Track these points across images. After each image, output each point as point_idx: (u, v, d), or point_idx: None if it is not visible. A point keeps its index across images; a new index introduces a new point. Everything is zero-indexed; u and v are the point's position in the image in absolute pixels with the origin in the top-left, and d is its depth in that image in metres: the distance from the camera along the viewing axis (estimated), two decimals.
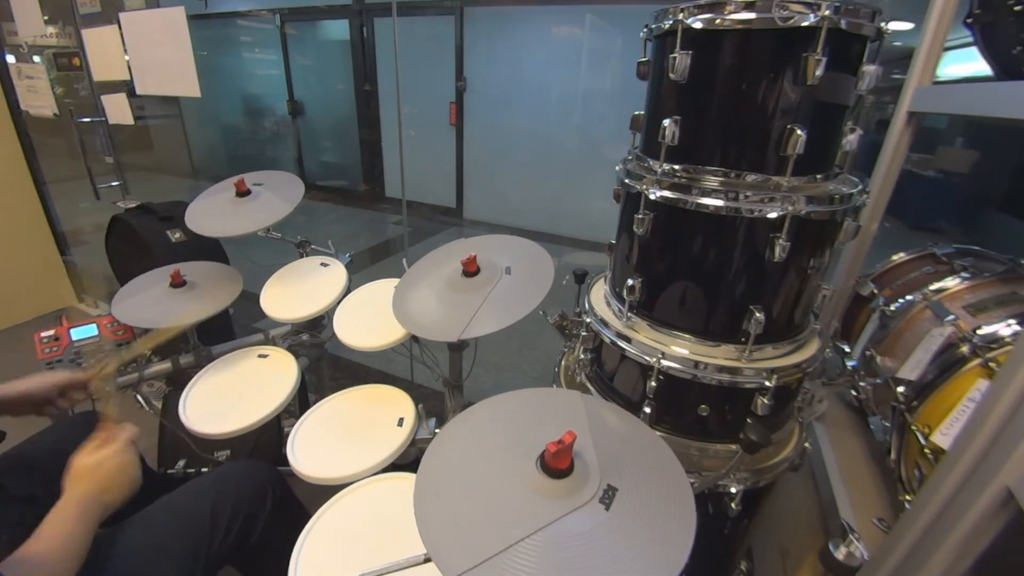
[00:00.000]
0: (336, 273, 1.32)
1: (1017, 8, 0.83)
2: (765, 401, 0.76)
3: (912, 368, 0.87)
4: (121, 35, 1.94)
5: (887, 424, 0.91)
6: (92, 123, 2.31)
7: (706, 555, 0.89)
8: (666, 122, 0.71)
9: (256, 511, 0.89)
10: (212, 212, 1.30)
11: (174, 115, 6.03)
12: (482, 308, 0.91)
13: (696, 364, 0.77)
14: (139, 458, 0.83)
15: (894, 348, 0.96)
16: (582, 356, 0.99)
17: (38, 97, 2.36)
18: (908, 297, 0.99)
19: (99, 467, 0.77)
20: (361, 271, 3.48)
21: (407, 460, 0.96)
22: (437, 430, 1.03)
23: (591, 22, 3.75)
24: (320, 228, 4.81)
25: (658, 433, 0.83)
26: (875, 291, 1.09)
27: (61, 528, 0.69)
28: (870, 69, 0.66)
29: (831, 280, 1.22)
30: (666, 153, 0.74)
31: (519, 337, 2.67)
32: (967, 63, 1.03)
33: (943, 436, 0.73)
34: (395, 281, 1.15)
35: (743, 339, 0.76)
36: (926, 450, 0.75)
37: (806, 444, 0.90)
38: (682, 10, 0.67)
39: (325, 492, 0.83)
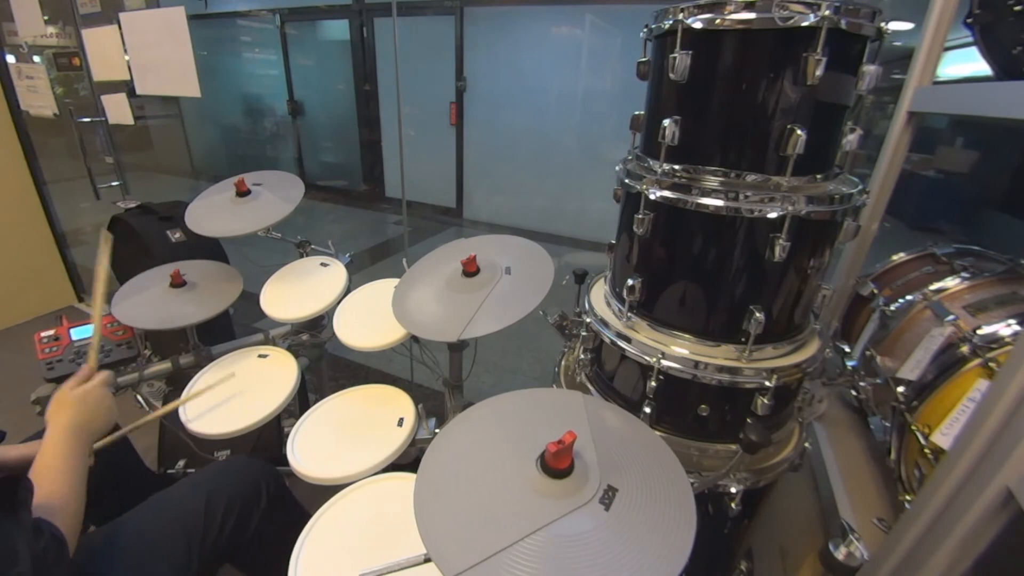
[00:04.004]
0: (336, 273, 1.32)
1: (1017, 8, 0.83)
2: (765, 401, 0.76)
3: (912, 368, 0.86)
4: (121, 35, 1.94)
5: (887, 424, 0.91)
6: (92, 123, 2.31)
7: (706, 555, 0.89)
8: (666, 122, 0.71)
9: (250, 507, 0.89)
10: (212, 212, 1.30)
11: (174, 115, 6.03)
12: (482, 308, 0.91)
13: (696, 364, 0.77)
14: (113, 399, 0.90)
15: (894, 348, 0.96)
16: (582, 356, 0.99)
17: (38, 97, 2.36)
18: (908, 297, 0.98)
19: (83, 397, 0.83)
20: (361, 271, 3.48)
21: (407, 460, 0.96)
22: (437, 430, 1.03)
23: (591, 22, 3.75)
24: (320, 228, 4.81)
25: (658, 433, 0.83)
26: (875, 291, 1.09)
27: (57, 460, 0.72)
28: (870, 69, 0.66)
29: (831, 280, 1.22)
30: (666, 153, 0.74)
31: (519, 337, 2.67)
32: (967, 63, 1.03)
33: (943, 436, 0.73)
34: (395, 281, 1.15)
35: (743, 339, 0.76)
36: (926, 450, 0.75)
37: (806, 444, 0.90)
38: (682, 10, 0.67)
39: (325, 492, 0.83)
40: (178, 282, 1.26)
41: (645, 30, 0.78)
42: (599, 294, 1.00)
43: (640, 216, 0.77)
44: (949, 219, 2.45)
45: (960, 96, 0.91)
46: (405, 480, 0.85)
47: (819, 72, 0.62)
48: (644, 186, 0.76)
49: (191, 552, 0.80)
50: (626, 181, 0.81)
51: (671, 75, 0.69)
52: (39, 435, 0.96)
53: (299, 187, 1.34)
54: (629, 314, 0.85)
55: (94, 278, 1.05)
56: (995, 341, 0.75)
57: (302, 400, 1.49)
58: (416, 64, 4.51)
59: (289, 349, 1.28)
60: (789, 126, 0.66)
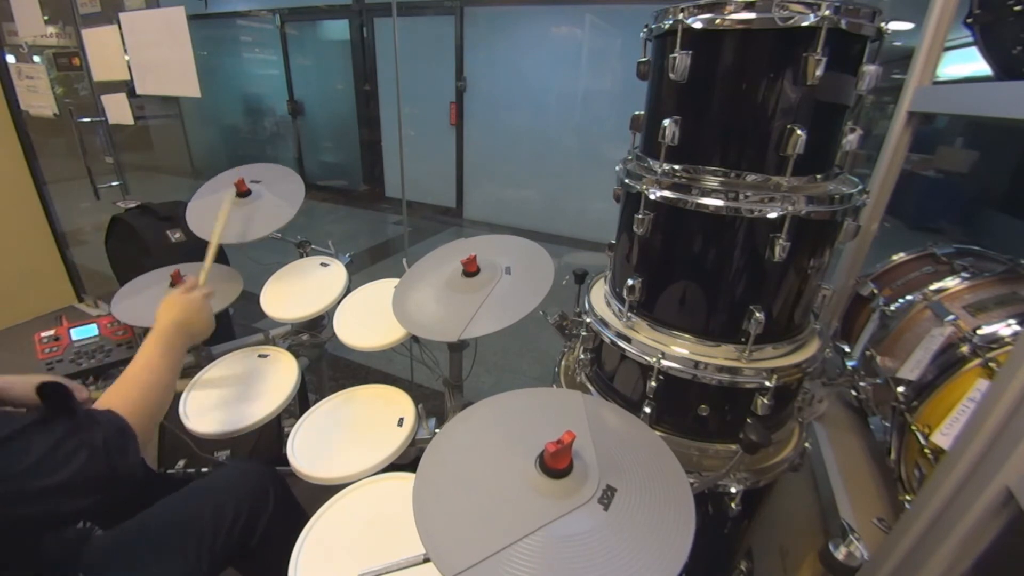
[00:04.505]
0: (336, 273, 1.32)
1: (1017, 8, 0.83)
2: (765, 401, 0.75)
3: (912, 368, 0.86)
4: (121, 35, 1.94)
5: (887, 424, 0.91)
6: (92, 123, 2.31)
7: (706, 555, 0.89)
8: (666, 122, 0.71)
9: (258, 511, 0.89)
10: (212, 213, 1.30)
11: (174, 115, 6.04)
12: (482, 308, 0.91)
13: (696, 364, 0.77)
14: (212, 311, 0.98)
15: (894, 348, 0.96)
16: (582, 356, 0.99)
17: (38, 97, 2.36)
18: (908, 297, 0.99)
19: (189, 301, 0.92)
20: (361, 271, 3.49)
21: (407, 460, 0.96)
22: (437, 430, 1.03)
23: (591, 22, 3.75)
24: (320, 228, 4.81)
25: (658, 433, 0.83)
26: (875, 291, 1.09)
27: (157, 348, 0.81)
28: (870, 69, 0.66)
29: (831, 280, 1.22)
30: (666, 153, 0.74)
31: (519, 337, 2.67)
32: (967, 63, 1.03)
33: (943, 436, 0.73)
34: (395, 281, 1.15)
35: (743, 339, 0.76)
36: (926, 450, 0.75)
37: (806, 444, 0.90)
38: (682, 10, 0.67)
39: (325, 492, 0.83)
40: (178, 282, 1.26)
41: (645, 30, 0.78)
42: (599, 294, 1.00)
43: (640, 216, 0.77)
44: (949, 219, 2.45)
45: (960, 96, 0.91)
46: (405, 480, 0.85)
47: (819, 72, 0.61)
48: (644, 186, 0.76)
49: (200, 557, 0.80)
50: (626, 181, 0.81)
51: (671, 75, 0.69)
52: None
53: (299, 188, 1.33)
54: (629, 314, 0.85)
55: (218, 219, 1.15)
56: (995, 341, 0.75)
57: (302, 400, 1.49)
58: (416, 64, 4.51)
59: (289, 349, 1.28)
60: (789, 126, 0.66)
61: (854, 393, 1.06)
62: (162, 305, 0.90)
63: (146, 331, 1.14)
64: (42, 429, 0.58)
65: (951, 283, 0.94)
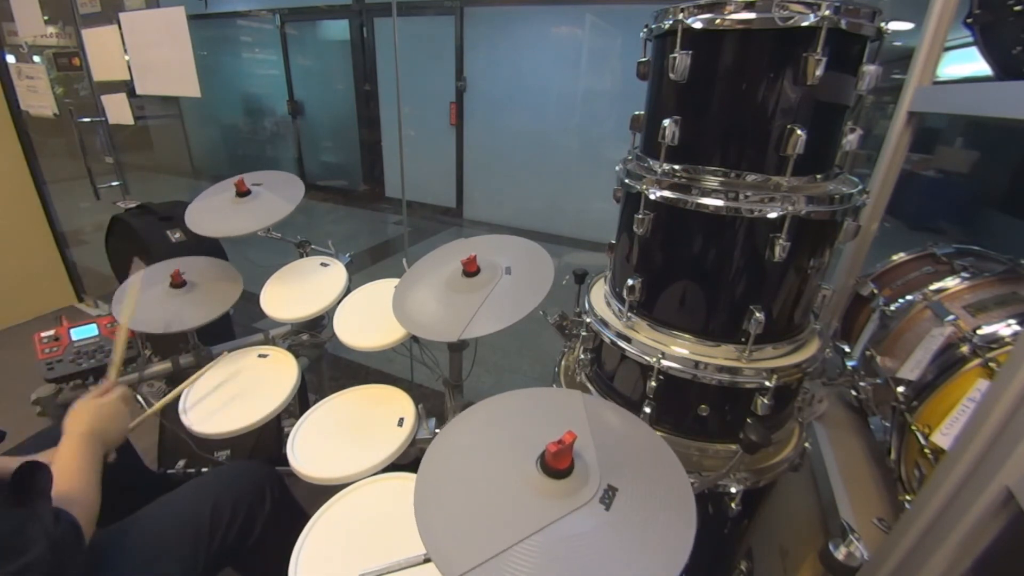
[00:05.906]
0: (336, 273, 1.32)
1: (1017, 8, 0.83)
2: (765, 401, 0.76)
3: (912, 368, 0.86)
4: (121, 35, 1.94)
5: (887, 424, 0.91)
6: (92, 123, 2.31)
7: (706, 555, 0.89)
8: (666, 122, 0.71)
9: (255, 511, 0.89)
10: (212, 212, 1.30)
11: (174, 115, 6.03)
12: (482, 308, 0.91)
13: (696, 364, 0.77)
14: (129, 414, 0.92)
15: (894, 348, 0.96)
16: (582, 356, 0.99)
17: (38, 97, 2.36)
18: (908, 297, 0.99)
19: (99, 408, 0.86)
20: (361, 271, 3.48)
21: (407, 460, 0.96)
22: (437, 430, 1.03)
23: (591, 22, 3.75)
24: (320, 228, 4.81)
25: (658, 433, 0.83)
26: (875, 291, 1.09)
27: (73, 461, 0.75)
28: (870, 69, 0.66)
29: (831, 280, 1.22)
30: (666, 153, 0.74)
31: (519, 337, 2.67)
32: (967, 63, 1.03)
33: (943, 436, 0.73)
34: (395, 281, 1.15)
35: (743, 339, 0.76)
36: (926, 450, 0.75)
37: (806, 444, 0.90)
38: (682, 10, 0.67)
39: (325, 492, 0.83)
40: (178, 282, 1.26)
41: (645, 30, 0.78)
42: (599, 294, 1.00)
43: (640, 216, 0.77)
44: (949, 219, 2.45)
45: (960, 96, 0.91)
46: (405, 480, 0.85)
47: (819, 72, 0.62)
48: (644, 186, 0.76)
49: (197, 555, 0.80)
50: (626, 181, 0.81)
51: (671, 75, 0.69)
52: (39, 436, 0.97)
53: (299, 187, 1.33)
54: (629, 314, 0.85)
55: (125, 301, 1.11)
56: (995, 341, 0.75)
57: (302, 400, 1.49)
58: (416, 64, 4.51)
59: (289, 349, 1.28)
60: (789, 126, 0.66)
61: (854, 393, 1.06)
62: (70, 414, 0.83)
63: (147, 334, 1.14)
64: (4, 513, 0.55)
65: (951, 283, 0.94)
